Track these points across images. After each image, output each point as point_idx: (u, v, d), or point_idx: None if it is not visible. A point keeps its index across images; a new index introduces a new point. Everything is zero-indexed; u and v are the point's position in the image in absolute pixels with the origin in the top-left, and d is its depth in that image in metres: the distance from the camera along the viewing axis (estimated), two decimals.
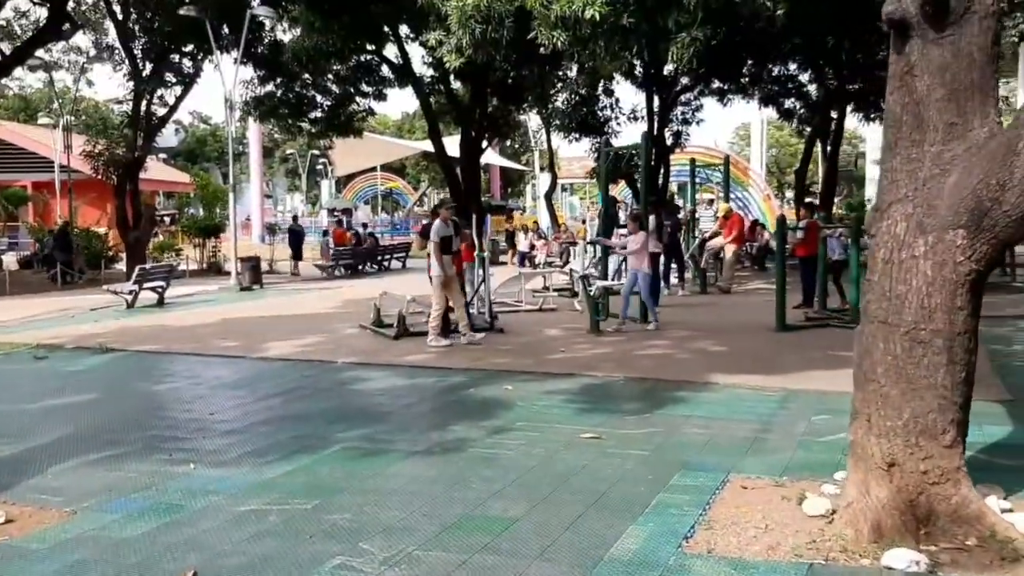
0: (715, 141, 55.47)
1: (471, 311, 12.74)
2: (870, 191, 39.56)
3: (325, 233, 28.56)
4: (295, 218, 34.96)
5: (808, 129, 29.99)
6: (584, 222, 20.06)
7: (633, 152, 16.95)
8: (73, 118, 35.11)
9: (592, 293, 11.69)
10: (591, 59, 13.62)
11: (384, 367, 9.59)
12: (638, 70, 28.17)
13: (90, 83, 62.66)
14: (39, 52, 28.46)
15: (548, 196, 29.25)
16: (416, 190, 68.32)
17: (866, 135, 53.11)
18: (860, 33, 22.76)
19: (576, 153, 66.43)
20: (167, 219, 48.95)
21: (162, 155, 67.16)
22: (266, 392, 8.40)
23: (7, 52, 24.88)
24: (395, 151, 54.27)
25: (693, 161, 20.95)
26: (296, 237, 28.93)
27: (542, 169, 50.18)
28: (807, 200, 20.39)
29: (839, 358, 9.34)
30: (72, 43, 31.48)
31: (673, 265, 16.72)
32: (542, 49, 13.85)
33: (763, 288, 18.14)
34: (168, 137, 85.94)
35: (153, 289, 17.87)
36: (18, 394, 8.61)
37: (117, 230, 24.78)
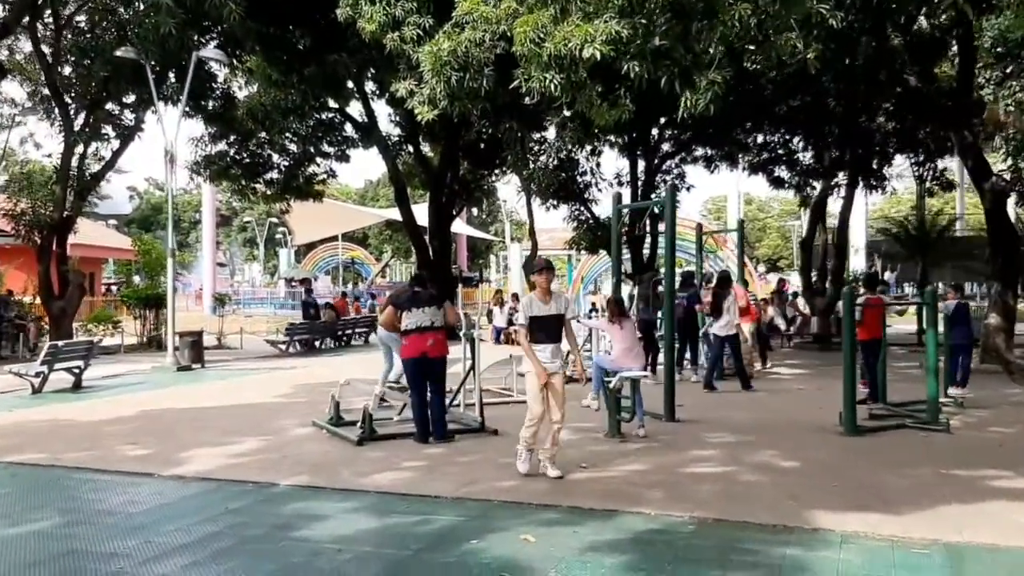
0: (686, 212, 53.83)
1: (456, 406, 10.13)
2: (855, 263, 37.68)
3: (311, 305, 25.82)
4: (308, 291, 32.24)
5: (804, 195, 28.04)
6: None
7: (656, 210, 14.56)
8: (6, 177, 32.38)
9: (612, 386, 9.14)
10: (587, 106, 11.44)
11: (343, 495, 6.87)
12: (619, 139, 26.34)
13: (37, 145, 59.72)
14: None
15: (527, 267, 26.88)
16: (379, 261, 65.81)
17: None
18: (875, 91, 21.04)
19: (548, 224, 64.67)
20: (114, 288, 45.93)
21: (113, 222, 64.31)
22: (165, 544, 5.65)
23: None
24: (357, 219, 51.87)
25: (700, 227, 18.70)
26: (307, 308, 26.06)
27: (513, 239, 48.01)
28: (871, 270, 18.12)
29: (963, 481, 6.89)
30: (6, 95, 28.93)
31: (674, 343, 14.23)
32: (527, 99, 11.67)
33: (780, 373, 15.70)
34: (122, 203, 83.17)
35: (69, 370, 15.04)
36: None
37: (40, 299, 21.89)
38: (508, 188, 37.93)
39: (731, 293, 13.45)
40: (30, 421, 10.80)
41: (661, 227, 27.62)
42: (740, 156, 27.94)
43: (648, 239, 26.62)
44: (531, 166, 22.75)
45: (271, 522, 6.09)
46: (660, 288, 15.38)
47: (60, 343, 15.36)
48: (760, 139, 27.20)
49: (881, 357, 10.87)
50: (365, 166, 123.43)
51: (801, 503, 6.35)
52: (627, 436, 9.10)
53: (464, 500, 6.55)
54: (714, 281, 16.57)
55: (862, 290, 12.14)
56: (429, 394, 9.08)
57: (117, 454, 8.59)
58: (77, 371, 15.11)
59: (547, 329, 7.35)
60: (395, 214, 47.74)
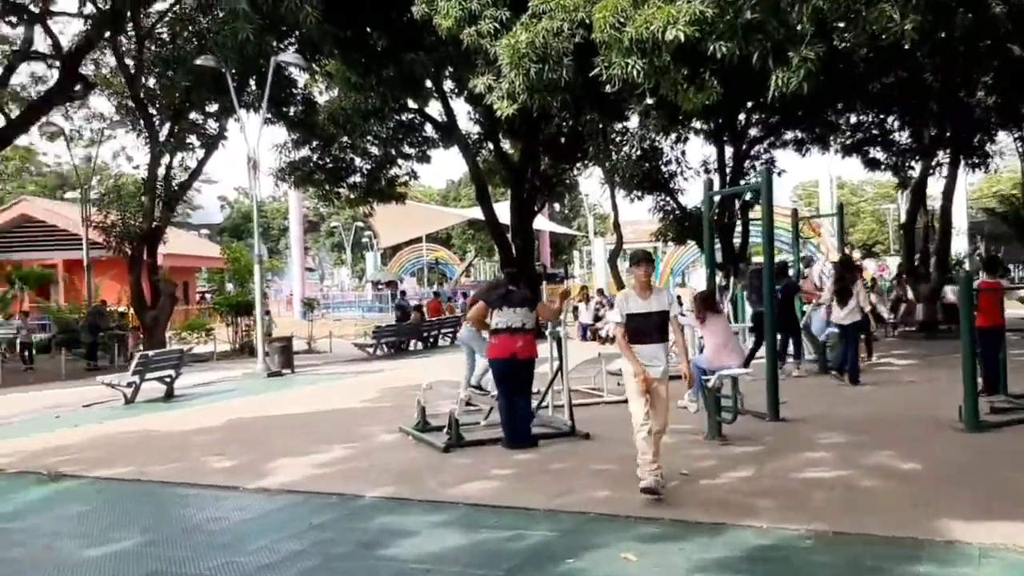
0: (776, 199, 52.16)
1: (544, 408, 9.73)
2: (956, 245, 35.91)
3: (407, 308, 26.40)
4: (403, 293, 32.71)
5: (902, 177, 26.73)
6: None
7: (750, 197, 13.91)
8: (100, 191, 33.34)
9: (711, 384, 8.61)
10: (672, 91, 10.92)
11: (429, 507, 6.54)
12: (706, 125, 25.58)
13: (129, 159, 61.59)
14: (57, 118, 26.66)
15: (613, 260, 26.29)
16: (462, 260, 65.93)
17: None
18: (975, 64, 19.86)
19: (631, 216, 63.66)
20: (207, 296, 46.95)
21: (205, 231, 66.00)
22: (248, 564, 5.40)
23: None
24: (440, 219, 51.99)
25: (795, 213, 17.87)
26: (404, 314, 26.46)
27: (597, 233, 47.44)
28: (992, 253, 17.08)
29: None
30: (95, 110, 29.70)
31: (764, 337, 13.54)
32: (608, 88, 11.23)
33: (887, 364, 14.85)
34: (213, 213, 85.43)
35: (160, 380, 15.18)
36: None
37: (133, 309, 22.35)
38: (590, 182, 37.37)
39: (859, 278, 12.78)
40: (120, 433, 10.82)
41: (752, 214, 26.83)
42: (832, 138, 26.89)
43: (739, 227, 25.83)
44: (614, 157, 22.24)
45: (357, 538, 5.80)
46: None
47: (151, 353, 15.52)
48: (853, 119, 26.09)
49: (1000, 345, 10.06)
50: (446, 167, 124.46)
51: (928, 511, 5.76)
52: (729, 439, 8.56)
53: (557, 513, 6.15)
54: (816, 267, 15.79)
55: (981, 274, 11.30)
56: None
57: (204, 466, 8.47)
58: (168, 380, 15.23)
59: (646, 327, 6.62)
60: (477, 213, 47.65)
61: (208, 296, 47.49)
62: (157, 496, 7.45)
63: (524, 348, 8.61)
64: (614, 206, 25.43)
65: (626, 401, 11.19)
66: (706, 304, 9.21)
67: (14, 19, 21.44)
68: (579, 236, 57.21)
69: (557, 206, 53.70)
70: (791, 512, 5.88)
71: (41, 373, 21.14)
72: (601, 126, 21.51)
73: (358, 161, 27.27)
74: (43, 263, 36.68)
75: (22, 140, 32.42)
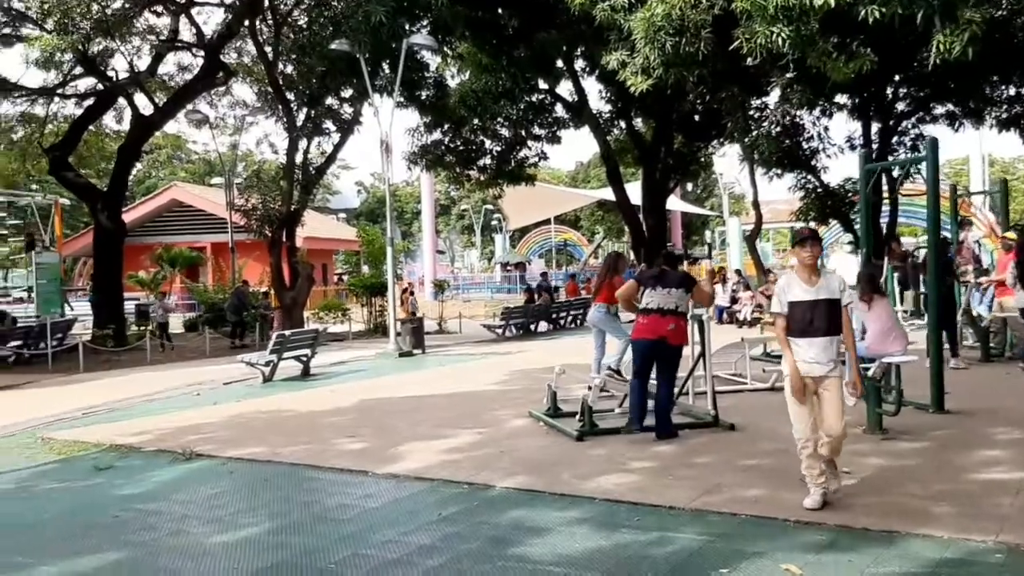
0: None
1: (683, 396, 9.19)
2: None
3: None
4: (544, 275, 33.02)
5: None
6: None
7: (916, 169, 12.86)
8: (243, 177, 34.44)
9: (871, 373, 7.88)
10: (821, 61, 10.13)
11: (564, 501, 6.14)
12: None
13: (271, 145, 63.49)
14: (203, 106, 27.53)
15: (752, 240, 25.25)
16: (590, 242, 65.32)
17: None
18: None
19: (767, 196, 61.64)
20: (344, 278, 48.09)
21: (343, 215, 67.74)
22: (374, 558, 5.14)
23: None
24: (569, 201, 51.52)
25: (955, 189, 16.65)
26: (531, 296, 26.51)
27: (732, 213, 45.99)
28: None
29: None
30: (238, 97, 30.57)
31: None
32: (748, 60, 10.54)
33: None
34: (350, 198, 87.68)
35: (297, 358, 15.38)
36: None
37: (272, 290, 22.88)
38: (724, 160, 36.07)
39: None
40: (256, 412, 10.88)
41: (903, 190, 25.26)
42: (988, 112, 25.00)
43: (887, 206, 24.38)
44: (753, 134, 21.24)
45: (487, 533, 5.46)
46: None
47: (288, 332, 15.73)
48: (1012, 92, 24.17)
49: None
50: (575, 148, 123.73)
51: None
52: (890, 432, 7.82)
53: (705, 513, 5.64)
54: (970, 234, 14.52)
55: None
56: (656, 384, 8.23)
57: (334, 448, 8.33)
58: (304, 359, 15.42)
59: (811, 318, 5.61)
60: (607, 194, 46.98)
61: (344, 277, 48.72)
62: (288, 478, 7.33)
63: (675, 333, 8.08)
64: (753, 184, 24.35)
65: (772, 389, 10.58)
66: (872, 285, 8.43)
67: (160, 9, 22.16)
68: (712, 216, 55.65)
69: (689, 186, 52.35)
70: (973, 520, 5.19)
71: (186, 351, 21.88)
72: (741, 101, 20.56)
73: (488, 143, 27.10)
74: (192, 246, 38.38)
75: (171, 128, 33.72)
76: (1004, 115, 25.17)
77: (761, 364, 11.65)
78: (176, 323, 29.44)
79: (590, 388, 8.76)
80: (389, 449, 8.12)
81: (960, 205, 41.36)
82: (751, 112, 22.48)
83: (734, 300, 21.55)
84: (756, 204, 25.11)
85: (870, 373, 7.91)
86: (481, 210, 68.42)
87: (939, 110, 25.68)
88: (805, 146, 24.54)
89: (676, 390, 8.65)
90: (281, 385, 14.06)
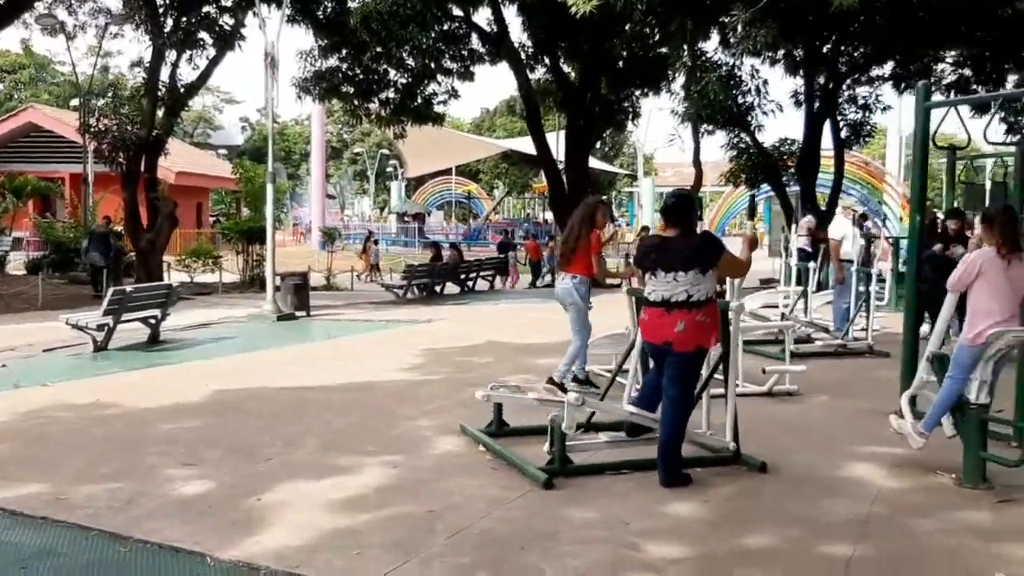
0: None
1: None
2: None
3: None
4: (506, 232, 30.87)
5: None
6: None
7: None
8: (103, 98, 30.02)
9: (976, 400, 5.27)
10: None
11: None
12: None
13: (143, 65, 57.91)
14: (60, 13, 23.20)
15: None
16: (491, 197, 62.46)
17: None
18: None
19: (673, 159, 59.90)
20: (223, 220, 43.72)
21: (224, 151, 62.69)
22: None
23: None
24: (475, 150, 48.36)
25: (953, 149, 14.30)
26: (504, 250, 25.03)
27: (646, 174, 43.84)
28: None
29: None
30: (102, 3, 26.11)
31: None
32: None
33: None
34: (234, 134, 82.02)
35: (144, 320, 12.06)
36: None
37: (124, 229, 19.18)
38: (646, 115, 33.63)
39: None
40: (65, 405, 7.61)
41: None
42: (931, 76, 23.35)
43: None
44: (702, 79, 18.63)
45: None
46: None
47: (129, 288, 12.31)
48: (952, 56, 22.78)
49: None
50: (484, 91, 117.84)
51: None
52: (997, 488, 5.27)
53: None
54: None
55: None
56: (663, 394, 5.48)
57: (156, 492, 5.24)
58: (153, 322, 12.12)
59: None
60: (517, 144, 44.23)
61: (222, 219, 44.32)
62: (62, 565, 4.24)
63: (685, 336, 5.28)
64: (696, 138, 21.91)
65: (770, 394, 7.98)
66: (1015, 230, 5.62)
67: None
68: (621, 175, 53.41)
69: (597, 144, 50.00)
70: None
71: (17, 300, 18.01)
72: (691, 36, 17.93)
73: (392, 74, 23.81)
74: (50, 176, 33.81)
75: (38, 47, 28.93)
76: (949, 79, 23.69)
77: (757, 362, 9.01)
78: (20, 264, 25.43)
79: (566, 397, 5.81)
80: (244, 499, 5.09)
81: (876, 177, 40.00)
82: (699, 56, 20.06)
83: None
84: (697, 161, 22.75)
85: (975, 400, 5.30)
86: (376, 155, 64.55)
87: (877, 72, 24.15)
88: (741, 101, 22.32)
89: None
90: (116, 356, 10.77)
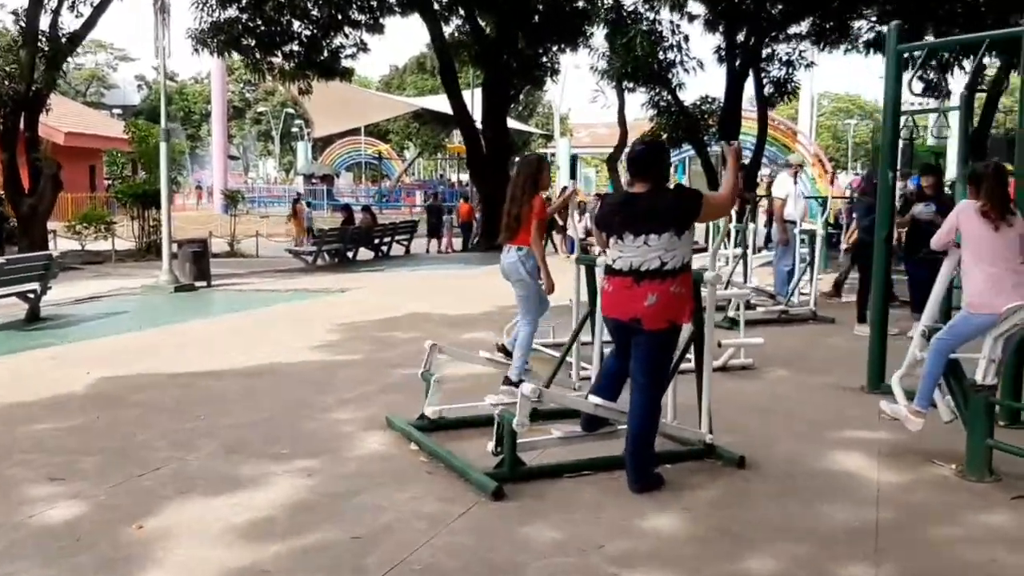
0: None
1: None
2: None
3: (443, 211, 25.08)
4: (436, 195, 30.94)
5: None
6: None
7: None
8: None
9: (983, 381, 4.60)
10: None
11: None
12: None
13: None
14: None
15: (613, 161, 22.17)
16: (401, 158, 60.88)
17: None
18: None
19: (587, 118, 59.15)
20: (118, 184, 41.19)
21: (118, 111, 59.38)
22: None
23: None
24: (385, 108, 46.77)
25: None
26: (436, 213, 24.15)
27: (562, 134, 43.12)
28: None
29: None
30: None
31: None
32: None
33: None
34: (129, 93, 77.95)
35: (21, 295, 10.74)
36: None
37: (4, 195, 17.46)
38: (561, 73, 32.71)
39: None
40: None
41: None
42: (852, 33, 23.23)
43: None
44: (629, 31, 17.82)
45: None
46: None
47: (2, 260, 10.92)
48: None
49: None
50: (389, 53, 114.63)
51: None
52: (1004, 477, 4.64)
53: None
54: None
55: None
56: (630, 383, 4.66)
57: (19, 514, 4.18)
58: (32, 297, 10.79)
59: None
60: (429, 102, 42.75)
61: (118, 184, 41.71)
62: None
63: (656, 310, 4.44)
64: (620, 94, 21.15)
65: (724, 369, 7.26)
66: (1002, 190, 4.95)
67: None
68: (535, 135, 52.50)
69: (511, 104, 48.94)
70: None
71: None
72: None
73: (296, 25, 22.43)
74: None
75: None
76: (868, 36, 23.58)
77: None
78: None
79: (520, 389, 4.87)
80: (122, 526, 4.08)
81: (787, 134, 40.03)
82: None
83: (589, 232, 18.20)
84: (622, 120, 21.99)
85: (984, 380, 4.63)
86: (281, 115, 62.18)
87: (794, 30, 23.96)
88: (662, 57, 21.72)
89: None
90: None
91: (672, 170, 34.14)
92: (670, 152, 5.87)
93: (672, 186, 4.75)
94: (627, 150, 5.27)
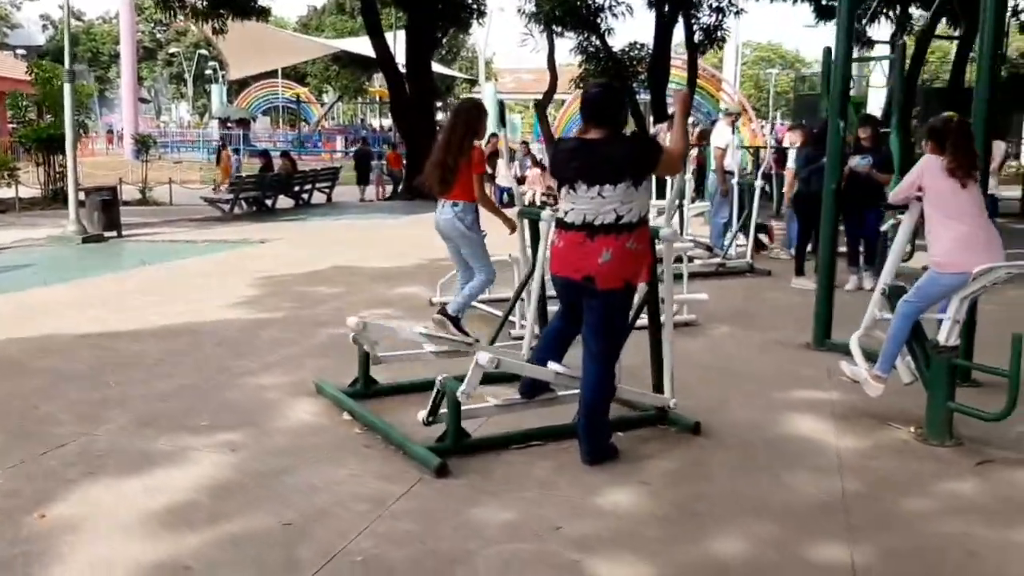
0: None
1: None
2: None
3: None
4: (364, 140, 30.75)
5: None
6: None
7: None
8: None
9: (946, 342, 4.43)
10: None
11: None
12: None
13: None
14: None
15: (542, 107, 21.68)
16: (320, 102, 59.23)
17: None
18: None
19: (510, 63, 58.21)
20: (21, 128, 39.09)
21: (22, 52, 56.28)
22: None
23: None
24: (303, 50, 45.19)
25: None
26: (365, 160, 23.60)
27: (488, 79, 42.33)
28: None
29: None
30: None
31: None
32: None
33: None
34: (33, 33, 73.91)
35: None
36: None
37: None
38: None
39: None
40: None
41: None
42: None
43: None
44: None
45: None
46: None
47: None
48: None
49: None
50: None
51: None
52: (966, 442, 4.51)
53: None
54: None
55: None
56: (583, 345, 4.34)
57: None
58: None
59: None
60: (350, 45, 41.42)
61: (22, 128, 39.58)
62: None
63: (611, 268, 4.12)
64: (550, 39, 20.63)
65: (684, 323, 7.02)
66: (968, 143, 4.69)
67: None
68: (459, 79, 51.51)
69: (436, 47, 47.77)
70: None
71: None
72: None
73: None
74: None
75: None
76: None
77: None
78: None
79: (477, 357, 4.51)
80: (22, 515, 3.62)
81: (713, 83, 40.04)
82: None
83: (521, 180, 17.88)
84: (552, 64, 21.46)
85: (946, 324, 4.47)
86: (194, 56, 59.66)
87: None
88: (591, 1, 21.33)
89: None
90: None
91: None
92: (626, 94, 5.50)
93: (631, 133, 4.41)
94: (580, 93, 4.95)
